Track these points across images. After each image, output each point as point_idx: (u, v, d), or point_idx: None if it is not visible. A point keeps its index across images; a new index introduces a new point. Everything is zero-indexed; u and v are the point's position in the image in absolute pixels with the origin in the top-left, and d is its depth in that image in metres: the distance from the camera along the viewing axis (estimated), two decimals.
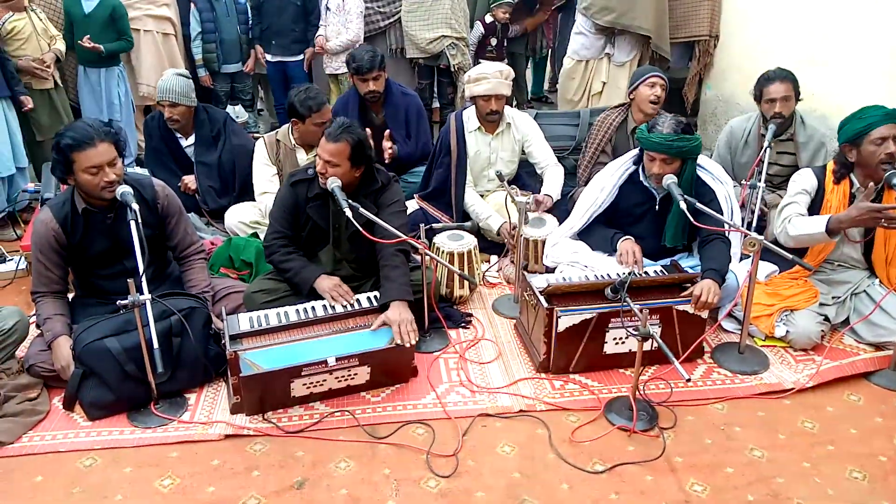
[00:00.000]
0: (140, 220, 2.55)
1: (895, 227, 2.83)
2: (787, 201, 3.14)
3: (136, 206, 2.57)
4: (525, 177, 4.21)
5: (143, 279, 2.48)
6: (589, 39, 5.16)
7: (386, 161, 4.11)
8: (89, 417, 2.63)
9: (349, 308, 2.87)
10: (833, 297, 3.14)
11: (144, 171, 4.10)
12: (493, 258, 3.91)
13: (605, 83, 5.24)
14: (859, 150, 2.91)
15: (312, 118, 3.59)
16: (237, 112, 5.63)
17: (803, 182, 3.12)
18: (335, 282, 2.96)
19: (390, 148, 4.15)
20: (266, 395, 2.61)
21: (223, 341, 2.66)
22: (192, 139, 4.08)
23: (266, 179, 3.77)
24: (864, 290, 3.13)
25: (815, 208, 3.08)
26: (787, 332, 3.04)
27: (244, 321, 2.77)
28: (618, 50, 5.16)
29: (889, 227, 2.85)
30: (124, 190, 2.65)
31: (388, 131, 4.12)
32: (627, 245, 3.12)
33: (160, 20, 5.12)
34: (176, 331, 2.67)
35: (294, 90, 3.62)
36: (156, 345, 2.43)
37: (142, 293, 2.45)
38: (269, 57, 5.58)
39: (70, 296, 2.96)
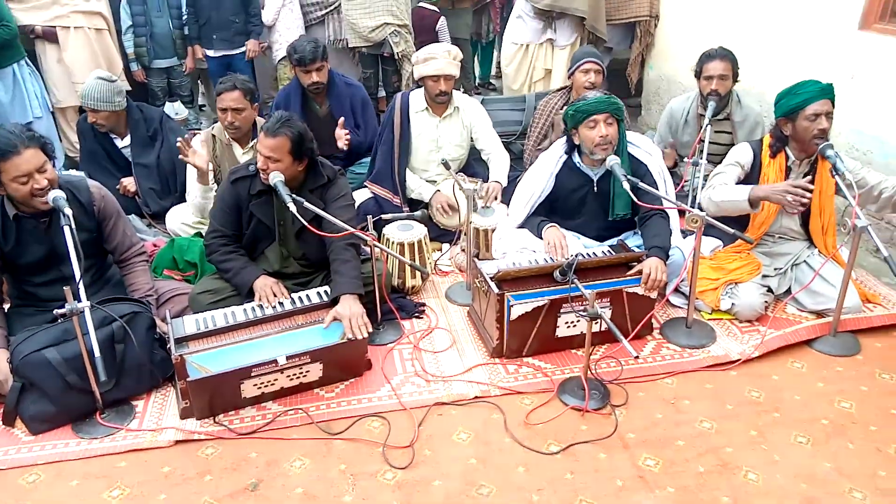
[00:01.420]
0: (74, 225, 2.46)
1: (796, 210, 2.90)
2: (717, 171, 3.21)
3: (69, 212, 2.49)
4: (475, 164, 4.21)
5: (81, 286, 2.40)
6: (528, 24, 5.19)
7: (343, 149, 4.04)
8: (31, 432, 2.54)
9: (278, 309, 2.82)
10: (775, 269, 3.22)
11: (80, 174, 3.96)
12: (445, 246, 3.91)
13: (548, 70, 5.28)
14: (794, 125, 2.98)
15: (217, 102, 3.55)
16: (176, 109, 5.48)
17: (738, 155, 3.18)
18: (269, 282, 2.93)
19: (347, 135, 4.09)
20: (216, 397, 2.56)
21: (168, 345, 2.59)
22: (127, 140, 3.96)
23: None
24: (805, 261, 3.23)
25: (752, 181, 3.14)
26: (732, 304, 3.11)
27: (190, 323, 2.71)
28: (559, 34, 5.20)
29: (790, 208, 2.89)
30: (56, 195, 2.56)
31: (341, 119, 4.06)
32: (551, 233, 3.16)
33: (90, 15, 4.92)
34: (118, 337, 2.59)
35: None
36: (97, 353, 2.35)
37: (79, 300, 2.36)
38: (211, 52, 5.45)
39: (6, 306, 2.85)
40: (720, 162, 3.78)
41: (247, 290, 2.92)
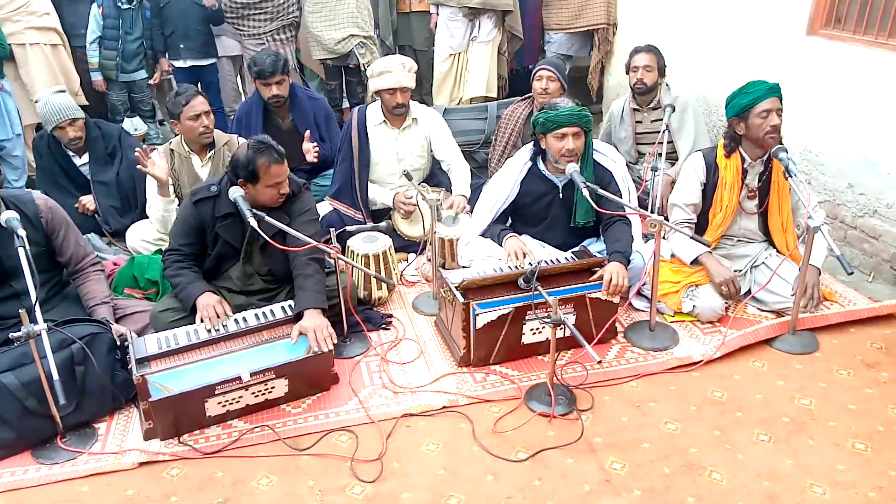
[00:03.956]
0: (27, 246, 2.41)
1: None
2: (675, 201, 3.31)
3: (22, 233, 2.44)
4: (438, 174, 4.22)
5: (37, 307, 2.35)
6: (459, 28, 5.28)
7: (314, 161, 4.03)
8: None
9: (222, 331, 2.75)
10: (735, 271, 3.28)
11: (28, 189, 3.90)
12: (411, 257, 3.91)
13: (469, 70, 5.41)
14: (747, 124, 3.06)
15: (185, 113, 3.48)
16: (135, 125, 5.40)
17: (691, 176, 3.25)
18: (212, 301, 2.83)
19: (315, 147, 4.08)
20: (180, 417, 2.52)
21: (130, 365, 2.55)
22: (85, 158, 3.90)
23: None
24: (763, 262, 3.30)
25: (710, 187, 3.22)
26: (694, 306, 3.17)
27: (152, 343, 2.67)
28: (482, 30, 5.33)
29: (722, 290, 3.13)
30: (9, 216, 2.52)
31: (307, 132, 4.05)
32: (512, 243, 3.19)
33: (45, 31, 4.85)
34: (78, 359, 2.54)
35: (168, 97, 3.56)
36: (56, 376, 2.30)
37: (36, 323, 2.32)
38: (179, 63, 5.37)
39: None
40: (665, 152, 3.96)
41: (190, 305, 2.86)
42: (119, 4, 5.04)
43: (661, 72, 4.02)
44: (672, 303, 3.19)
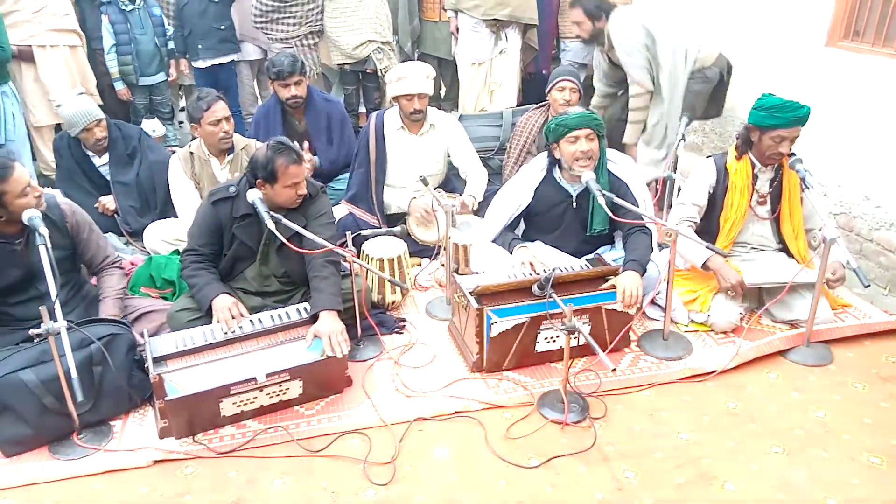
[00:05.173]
0: (49, 245, 2.45)
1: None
2: (680, 200, 3.31)
3: (44, 231, 2.48)
4: (454, 180, 4.23)
5: (57, 305, 2.38)
6: (482, 38, 5.24)
7: (309, 174, 4.07)
8: (6, 455, 2.50)
9: (234, 332, 2.77)
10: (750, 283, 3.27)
11: (51, 192, 3.93)
12: (425, 261, 3.92)
13: (499, 83, 5.37)
14: (760, 139, 3.06)
15: (205, 117, 3.50)
16: (153, 126, 5.44)
17: (701, 179, 3.24)
18: (228, 303, 2.85)
19: (309, 160, 4.13)
20: (195, 416, 2.54)
21: (146, 364, 2.57)
22: (105, 158, 3.95)
23: (187, 195, 3.67)
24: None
25: (719, 192, 3.22)
26: (708, 316, 3.16)
27: (168, 342, 2.69)
28: (510, 43, 5.31)
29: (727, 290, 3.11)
30: (32, 214, 2.56)
31: (306, 144, 4.09)
32: (522, 254, 3.20)
33: (65, 33, 4.89)
34: (97, 359, 2.56)
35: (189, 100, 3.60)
36: (74, 374, 2.33)
37: (56, 320, 2.34)
38: (200, 64, 5.42)
39: None
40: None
41: (206, 307, 2.88)
42: (122, 7, 5.08)
43: (594, 20, 4.08)
44: (696, 308, 3.18)
